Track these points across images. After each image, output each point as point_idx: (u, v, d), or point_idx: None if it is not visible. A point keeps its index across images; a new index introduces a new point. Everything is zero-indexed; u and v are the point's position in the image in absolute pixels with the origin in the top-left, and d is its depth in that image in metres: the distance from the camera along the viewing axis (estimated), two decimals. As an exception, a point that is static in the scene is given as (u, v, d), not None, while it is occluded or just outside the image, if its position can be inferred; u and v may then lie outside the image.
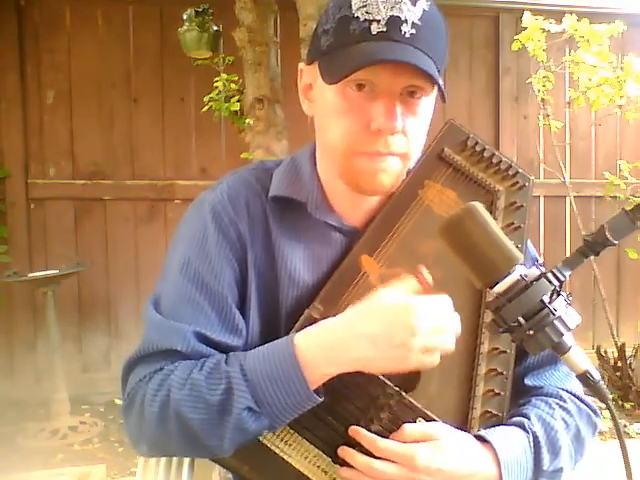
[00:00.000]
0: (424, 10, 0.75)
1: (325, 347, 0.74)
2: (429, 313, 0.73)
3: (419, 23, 0.74)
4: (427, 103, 0.81)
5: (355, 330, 0.73)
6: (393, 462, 0.76)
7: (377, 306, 0.75)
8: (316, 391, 0.74)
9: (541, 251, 4.02)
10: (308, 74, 0.85)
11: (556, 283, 0.64)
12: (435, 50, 0.76)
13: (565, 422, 0.87)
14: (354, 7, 0.75)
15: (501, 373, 0.86)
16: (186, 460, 0.93)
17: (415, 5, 0.75)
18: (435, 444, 0.77)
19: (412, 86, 0.77)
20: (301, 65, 0.87)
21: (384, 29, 0.74)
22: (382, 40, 0.74)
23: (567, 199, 3.81)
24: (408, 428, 0.78)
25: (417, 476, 0.75)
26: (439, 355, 0.74)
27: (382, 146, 0.78)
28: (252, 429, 0.74)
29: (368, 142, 0.78)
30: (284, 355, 0.74)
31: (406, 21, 0.74)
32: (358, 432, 0.78)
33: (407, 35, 0.74)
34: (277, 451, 0.80)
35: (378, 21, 0.74)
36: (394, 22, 0.74)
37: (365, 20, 0.74)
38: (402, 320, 0.72)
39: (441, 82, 0.76)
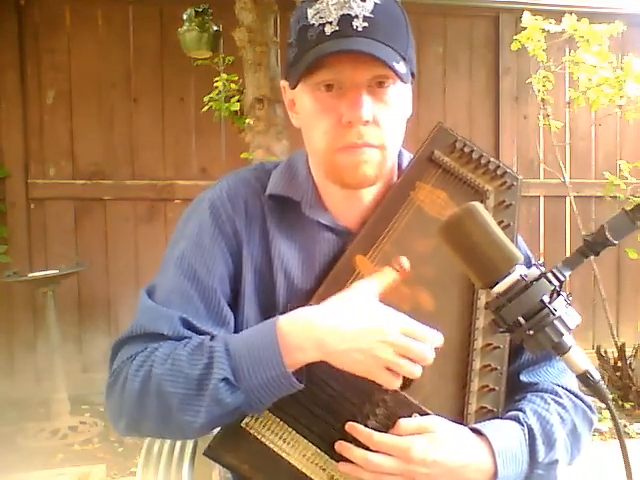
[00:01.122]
0: (376, 4, 0.79)
1: (301, 332, 0.75)
2: (404, 335, 0.75)
3: (371, 16, 0.78)
4: (397, 91, 0.83)
5: (332, 321, 0.75)
6: (390, 455, 0.77)
7: (357, 305, 0.77)
8: (298, 378, 0.75)
9: (541, 251, 4.02)
10: (289, 90, 0.89)
11: (556, 283, 0.64)
12: (393, 37, 0.79)
13: (561, 416, 0.88)
14: (309, 16, 0.79)
15: (495, 368, 0.87)
16: (186, 460, 0.94)
17: (365, 0, 0.78)
18: (431, 436, 0.78)
19: (377, 76, 0.80)
20: (283, 82, 0.91)
21: (337, 28, 0.77)
22: (336, 38, 0.77)
23: (567, 199, 3.81)
24: (404, 422, 0.79)
25: (413, 468, 0.77)
26: (399, 380, 0.75)
27: (356, 137, 0.81)
28: (228, 402, 0.75)
29: (343, 136, 0.81)
30: (265, 333, 0.76)
31: (357, 16, 0.77)
32: (354, 428, 0.80)
33: (359, 29, 0.77)
34: (276, 449, 0.81)
35: (330, 22, 0.78)
36: (345, 20, 0.77)
37: (319, 25, 0.78)
38: (376, 328, 0.74)
39: (400, 67, 0.78)
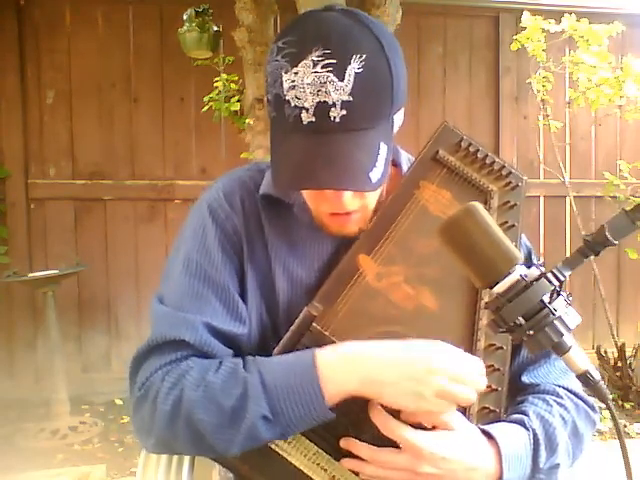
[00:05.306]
0: (356, 75, 0.73)
1: (346, 365, 0.75)
2: (455, 361, 0.75)
3: (349, 99, 0.73)
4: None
5: (378, 353, 0.75)
6: (398, 450, 0.76)
7: (406, 341, 0.77)
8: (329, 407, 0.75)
9: (541, 251, 4.02)
10: None
11: (556, 283, 0.64)
12: (374, 113, 0.76)
13: (563, 419, 0.87)
14: (285, 86, 0.74)
15: (498, 369, 0.87)
16: (186, 460, 0.93)
17: (343, 79, 0.73)
18: (443, 433, 0.78)
19: None
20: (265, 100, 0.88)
21: (313, 119, 0.73)
22: (312, 133, 0.74)
23: (567, 199, 3.81)
24: None
25: (421, 464, 0.76)
26: (454, 407, 0.75)
27: (338, 209, 0.81)
28: (264, 437, 0.75)
29: (326, 205, 0.81)
30: (305, 367, 0.75)
31: (334, 105, 0.73)
32: (374, 408, 0.78)
33: (337, 120, 0.73)
34: (277, 450, 0.80)
35: (307, 109, 0.73)
36: (322, 109, 0.73)
37: (295, 107, 0.74)
38: (426, 357, 0.74)
39: (375, 174, 0.75)
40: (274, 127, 0.80)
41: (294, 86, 0.74)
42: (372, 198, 0.85)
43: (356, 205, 0.82)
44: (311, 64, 0.73)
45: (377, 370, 0.74)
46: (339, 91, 0.73)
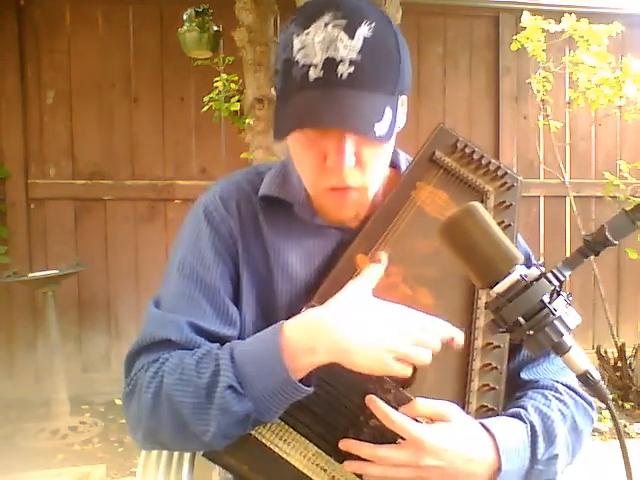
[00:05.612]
0: (365, 39, 0.75)
1: (309, 334, 0.74)
2: (414, 325, 0.75)
3: (358, 58, 0.74)
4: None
5: (339, 320, 0.74)
6: (399, 446, 0.77)
7: (363, 302, 0.77)
8: (306, 383, 0.74)
9: (541, 251, 4.02)
10: None
11: (556, 283, 0.64)
12: (381, 79, 0.77)
13: (561, 413, 0.88)
14: (295, 49, 0.76)
15: (495, 367, 0.88)
16: (186, 460, 0.94)
17: (353, 37, 0.75)
18: (444, 425, 0.78)
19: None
20: (273, 91, 0.90)
21: (320, 75, 0.74)
22: (319, 88, 0.75)
23: (567, 199, 3.82)
24: (420, 402, 0.79)
25: (423, 457, 0.76)
26: (411, 368, 0.75)
27: (338, 181, 0.81)
28: (236, 410, 0.74)
29: (326, 178, 0.81)
30: (269, 339, 0.75)
31: (342, 61, 0.74)
32: (374, 402, 0.78)
33: (344, 77, 0.74)
34: (276, 450, 0.80)
35: (315, 65, 0.74)
36: (330, 65, 0.74)
37: (303, 65, 0.75)
38: (384, 322, 0.75)
39: (381, 127, 0.75)
40: (279, 97, 0.80)
41: (304, 46, 0.76)
42: (372, 178, 0.84)
43: (357, 180, 0.82)
44: (322, 24, 0.75)
45: (340, 338, 0.73)
46: (348, 49, 0.74)
